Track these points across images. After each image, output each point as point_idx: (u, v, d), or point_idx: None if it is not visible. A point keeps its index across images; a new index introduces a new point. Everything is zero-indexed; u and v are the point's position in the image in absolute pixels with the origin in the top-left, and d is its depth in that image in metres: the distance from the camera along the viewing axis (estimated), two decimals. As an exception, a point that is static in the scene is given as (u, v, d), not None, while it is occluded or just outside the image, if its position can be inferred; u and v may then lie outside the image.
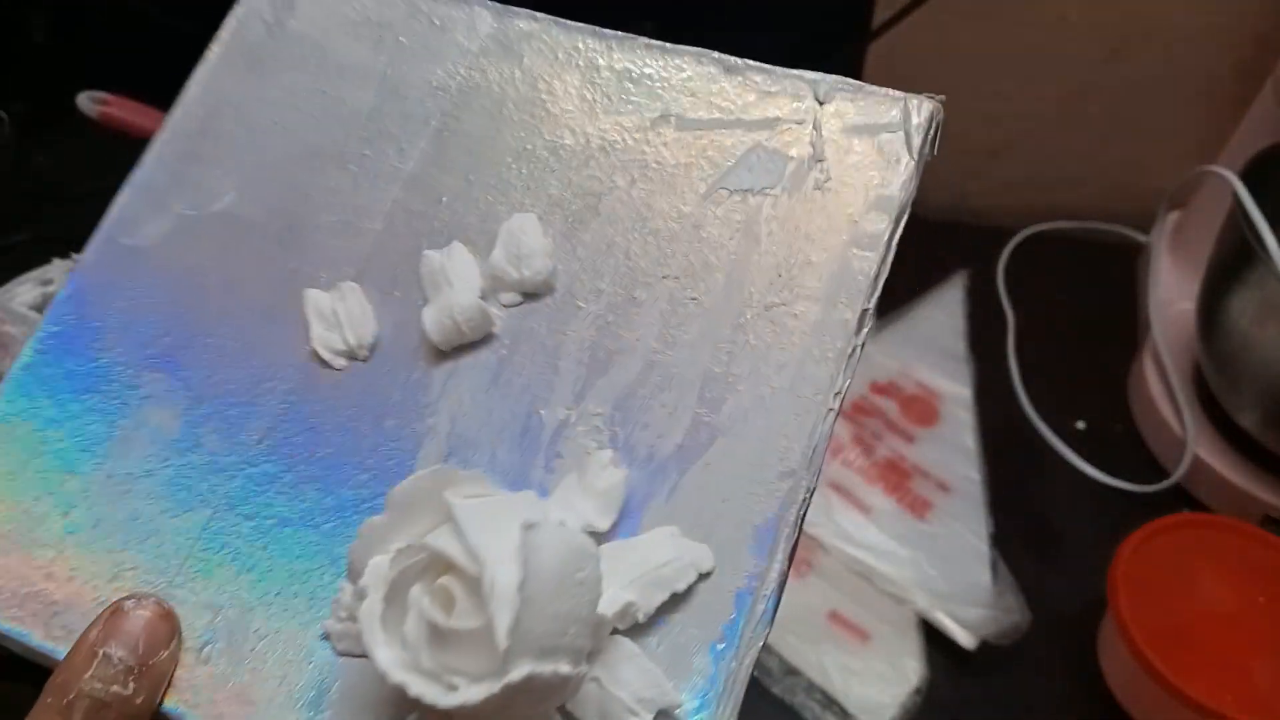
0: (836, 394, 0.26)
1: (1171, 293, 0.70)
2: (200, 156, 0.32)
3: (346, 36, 0.33)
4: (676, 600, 0.25)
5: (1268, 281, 0.54)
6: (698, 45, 0.31)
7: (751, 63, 0.30)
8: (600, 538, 0.26)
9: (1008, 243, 0.79)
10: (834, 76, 0.29)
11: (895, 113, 0.28)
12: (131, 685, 0.24)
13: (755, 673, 0.51)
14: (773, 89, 0.29)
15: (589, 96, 0.30)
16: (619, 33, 0.31)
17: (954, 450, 0.65)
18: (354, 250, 0.30)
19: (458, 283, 0.29)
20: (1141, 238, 0.78)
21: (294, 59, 0.33)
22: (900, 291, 0.74)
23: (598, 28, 0.31)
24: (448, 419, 0.28)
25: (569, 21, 0.32)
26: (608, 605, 0.24)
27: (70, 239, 0.68)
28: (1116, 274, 0.77)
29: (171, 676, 0.26)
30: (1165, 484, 0.62)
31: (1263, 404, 0.58)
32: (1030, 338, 0.73)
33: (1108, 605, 0.53)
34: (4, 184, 0.81)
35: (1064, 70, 0.75)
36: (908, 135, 0.28)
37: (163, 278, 0.31)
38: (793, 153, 0.29)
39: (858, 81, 0.29)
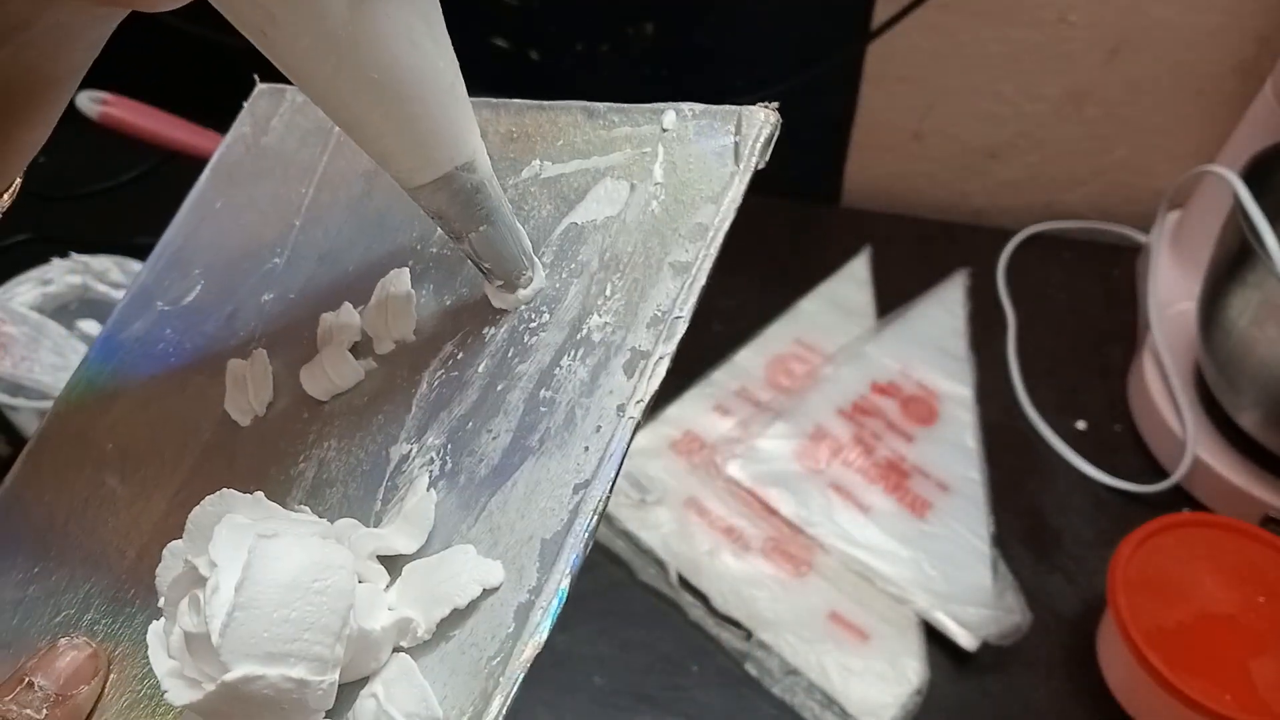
0: (638, 402, 0.26)
1: (1171, 293, 0.70)
2: (181, 261, 0.37)
3: (301, 143, 0.37)
4: (460, 616, 0.25)
5: (1268, 281, 0.54)
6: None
7: (612, 105, 0.32)
8: (407, 559, 0.27)
9: (1008, 243, 0.79)
10: (685, 104, 0.31)
11: (730, 126, 0.29)
12: (45, 711, 0.27)
13: (755, 672, 0.52)
14: (624, 125, 0.31)
15: None
16: (506, 99, 0.34)
17: (954, 450, 0.65)
18: (273, 320, 0.34)
19: (337, 338, 0.31)
20: (1141, 238, 0.78)
21: (261, 169, 0.38)
22: (900, 291, 0.75)
23: (491, 99, 0.34)
24: (316, 463, 0.30)
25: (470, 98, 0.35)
26: (382, 620, 0.25)
27: (70, 239, 0.68)
28: (1116, 274, 0.77)
29: (92, 711, 0.28)
30: (1165, 484, 0.62)
31: (1263, 404, 0.59)
32: (1030, 338, 0.73)
33: (1107, 605, 0.53)
34: (4, 184, 0.81)
35: (1064, 70, 0.75)
36: (738, 147, 0.29)
37: (136, 364, 0.36)
38: (634, 181, 0.30)
39: (703, 105, 0.30)
